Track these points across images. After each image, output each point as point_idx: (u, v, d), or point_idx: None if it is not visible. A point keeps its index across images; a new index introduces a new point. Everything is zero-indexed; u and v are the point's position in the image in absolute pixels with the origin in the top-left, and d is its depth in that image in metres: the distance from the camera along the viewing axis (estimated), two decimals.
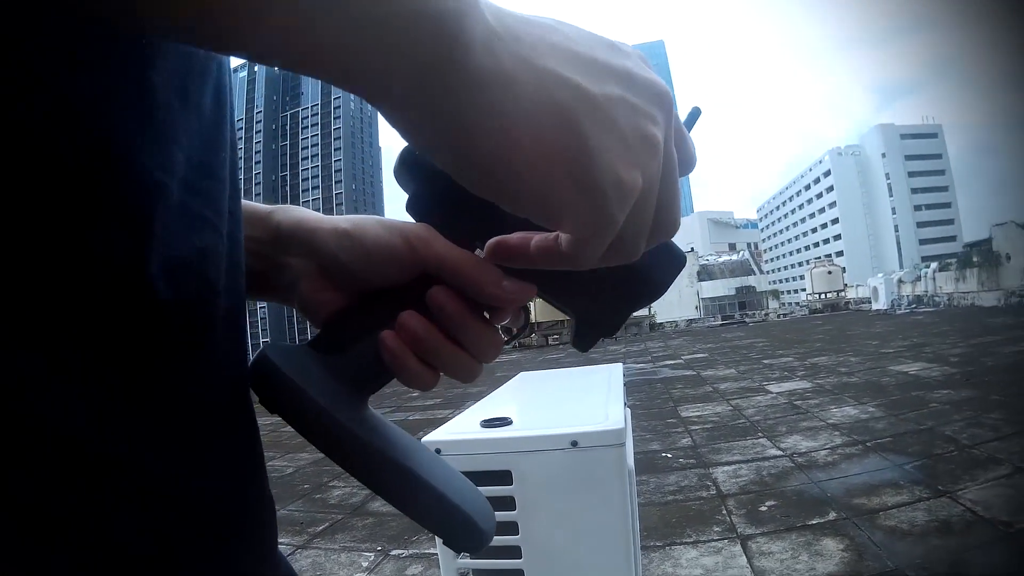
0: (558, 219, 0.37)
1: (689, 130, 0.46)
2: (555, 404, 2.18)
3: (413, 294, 0.44)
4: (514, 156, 0.32)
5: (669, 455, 5.82)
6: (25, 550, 0.29)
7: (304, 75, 0.29)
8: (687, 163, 0.41)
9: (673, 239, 0.44)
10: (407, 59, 0.29)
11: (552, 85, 0.32)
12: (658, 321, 34.60)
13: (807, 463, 4.95)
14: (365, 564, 4.01)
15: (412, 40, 0.28)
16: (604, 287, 0.45)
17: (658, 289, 0.47)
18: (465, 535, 0.44)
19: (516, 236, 0.42)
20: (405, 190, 0.47)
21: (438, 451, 1.67)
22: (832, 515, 3.77)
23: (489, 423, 1.73)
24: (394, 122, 0.33)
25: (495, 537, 1.30)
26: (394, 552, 4.05)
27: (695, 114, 0.48)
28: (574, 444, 1.55)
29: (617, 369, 2.67)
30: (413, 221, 0.48)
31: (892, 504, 3.78)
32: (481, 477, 1.65)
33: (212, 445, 0.41)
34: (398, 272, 0.46)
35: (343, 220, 0.51)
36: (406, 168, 0.46)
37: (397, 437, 0.45)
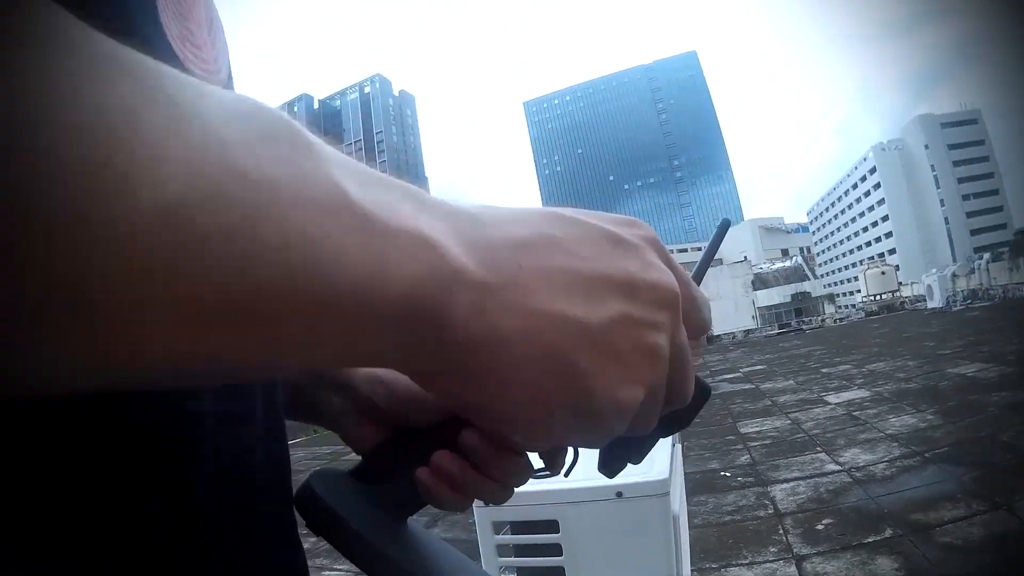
0: (561, 443, 0.39)
1: (719, 243, 0.51)
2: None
3: (446, 433, 0.45)
4: (510, 402, 0.32)
5: (728, 474, 5.80)
6: None
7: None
8: (700, 328, 0.40)
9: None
10: (391, 342, 0.27)
11: (547, 329, 0.30)
12: (715, 333, 33.94)
13: (865, 477, 4.89)
14: None
15: (393, 326, 0.26)
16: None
17: (683, 425, 0.48)
18: None
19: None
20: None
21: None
22: (888, 532, 3.73)
23: (536, 474, 1.78)
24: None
25: None
26: None
27: (725, 226, 0.51)
28: (619, 495, 1.62)
29: None
30: None
31: (948, 519, 3.73)
32: (529, 526, 1.74)
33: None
34: (431, 415, 0.48)
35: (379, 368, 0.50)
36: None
37: (433, 556, 0.48)
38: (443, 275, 0.27)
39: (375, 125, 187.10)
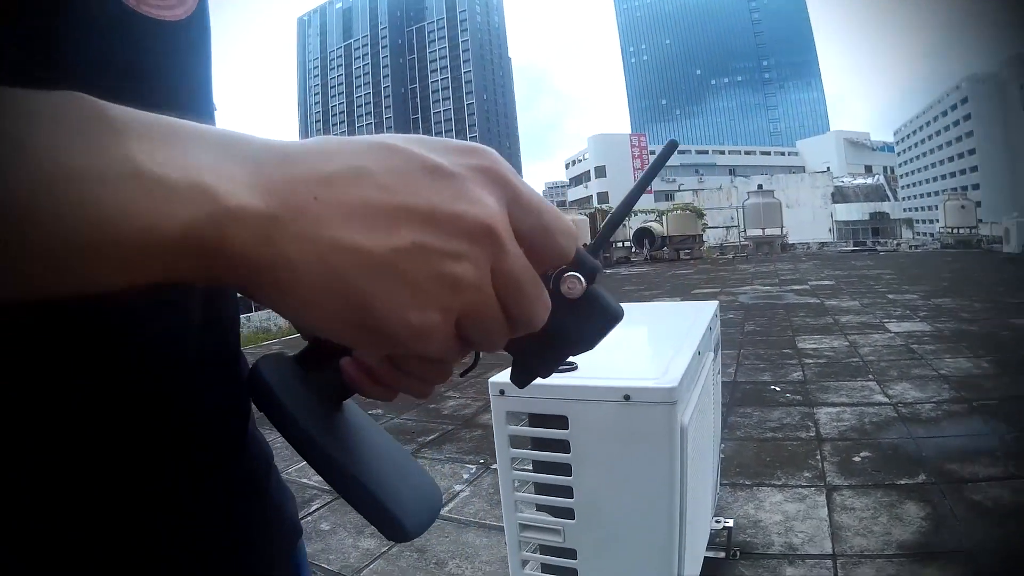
0: (371, 351, 0.45)
1: (661, 165, 0.49)
2: (626, 349, 2.18)
3: None
4: (311, 318, 0.36)
5: (778, 388, 5.77)
6: None
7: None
8: (558, 257, 0.43)
9: (608, 295, 0.47)
10: (182, 269, 0.31)
11: (331, 255, 0.34)
12: (790, 242, 33.47)
13: (910, 415, 4.77)
14: (466, 476, 4.22)
15: (177, 259, 0.31)
16: (533, 343, 0.47)
17: (586, 346, 0.48)
18: (387, 528, 0.48)
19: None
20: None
21: (502, 392, 1.75)
22: (921, 477, 3.65)
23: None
24: None
25: (554, 476, 1.38)
26: (495, 466, 4.20)
27: (671, 147, 0.50)
28: (627, 398, 1.58)
29: (707, 310, 2.64)
30: None
31: (983, 476, 3.60)
32: (540, 420, 1.72)
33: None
34: None
35: None
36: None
37: (355, 437, 0.52)
38: (218, 215, 0.31)
39: (458, 4, 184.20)
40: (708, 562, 2.70)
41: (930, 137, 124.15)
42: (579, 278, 0.45)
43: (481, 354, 0.50)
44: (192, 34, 0.55)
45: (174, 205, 0.30)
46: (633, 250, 30.15)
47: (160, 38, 0.51)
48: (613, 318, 0.48)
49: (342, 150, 0.37)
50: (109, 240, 0.28)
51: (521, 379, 0.52)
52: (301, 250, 0.33)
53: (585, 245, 0.47)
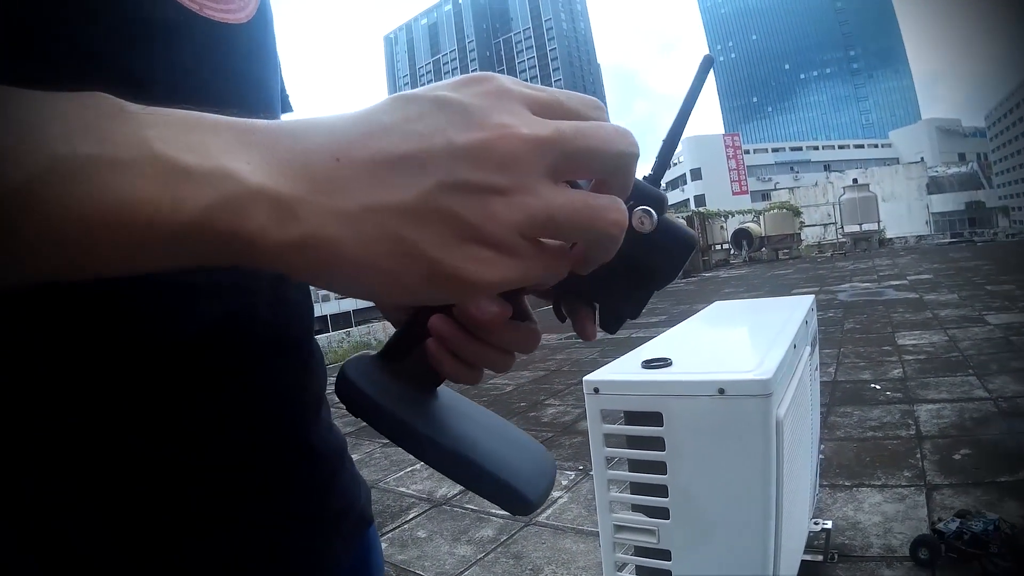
0: (458, 300, 0.44)
1: (701, 84, 0.47)
2: (721, 344, 2.17)
3: (441, 307, 0.48)
4: (376, 290, 0.35)
5: (878, 386, 5.63)
6: None
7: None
8: (613, 176, 0.39)
9: (678, 222, 0.47)
10: (201, 254, 0.31)
11: (365, 219, 0.33)
12: (887, 236, 32.42)
13: (1011, 410, 4.57)
14: (565, 483, 4.22)
15: (196, 243, 0.30)
16: (609, 282, 0.48)
17: (667, 279, 0.48)
18: (509, 502, 0.48)
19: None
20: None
21: (596, 390, 1.75)
22: (1022, 474, 3.49)
23: (649, 364, 1.76)
24: None
25: (650, 475, 1.38)
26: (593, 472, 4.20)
27: (707, 63, 0.48)
28: (721, 392, 1.56)
29: (804, 304, 2.58)
30: None
31: None
32: (634, 417, 1.71)
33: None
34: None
35: None
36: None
37: (458, 420, 0.52)
38: (237, 198, 0.30)
39: (543, 12, 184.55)
40: (805, 565, 2.64)
41: (1022, 119, 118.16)
42: (649, 211, 0.43)
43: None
44: (256, 35, 0.56)
45: (191, 189, 0.29)
46: (732, 252, 29.90)
47: (225, 41, 0.52)
48: (690, 245, 0.47)
49: (350, 117, 0.35)
50: (122, 223, 0.28)
51: (610, 324, 0.52)
52: (334, 224, 0.32)
53: (644, 177, 0.46)
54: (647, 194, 0.44)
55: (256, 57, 0.57)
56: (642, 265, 0.47)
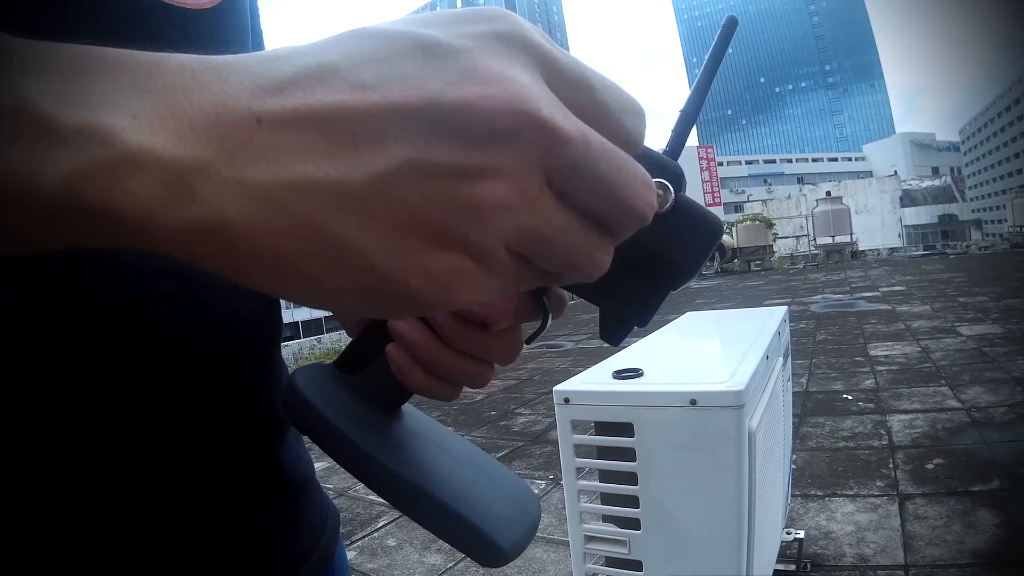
0: (393, 318, 0.39)
1: (725, 47, 0.39)
2: (693, 355, 2.16)
3: None
4: (292, 290, 0.26)
5: (850, 397, 5.65)
6: None
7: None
8: (625, 142, 0.29)
9: (703, 204, 0.37)
10: (68, 233, 0.23)
11: (292, 198, 0.23)
12: (860, 248, 32.73)
13: (984, 419, 4.60)
14: (535, 491, 4.17)
15: (60, 220, 0.22)
16: (620, 280, 0.36)
17: (688, 272, 0.38)
18: (480, 551, 0.41)
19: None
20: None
21: (566, 400, 1.73)
22: (995, 483, 3.51)
23: (620, 374, 1.75)
24: None
25: (620, 486, 1.36)
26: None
27: (731, 25, 0.40)
28: (693, 403, 1.54)
29: (777, 315, 2.58)
30: None
31: None
32: (605, 428, 1.70)
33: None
34: None
35: None
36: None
37: (424, 448, 0.45)
38: (107, 164, 0.22)
39: (518, 10, 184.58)
40: (778, 574, 2.65)
41: (995, 134, 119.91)
42: (666, 185, 0.34)
43: (550, 320, 0.40)
44: (221, 21, 0.51)
45: (58, 150, 0.22)
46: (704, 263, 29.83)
47: (185, 26, 0.47)
48: (716, 230, 0.37)
49: (303, 49, 0.26)
50: None
51: (613, 332, 0.41)
52: (241, 203, 0.23)
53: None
54: (663, 165, 0.35)
55: (222, 43, 0.51)
56: (655, 256, 0.37)
